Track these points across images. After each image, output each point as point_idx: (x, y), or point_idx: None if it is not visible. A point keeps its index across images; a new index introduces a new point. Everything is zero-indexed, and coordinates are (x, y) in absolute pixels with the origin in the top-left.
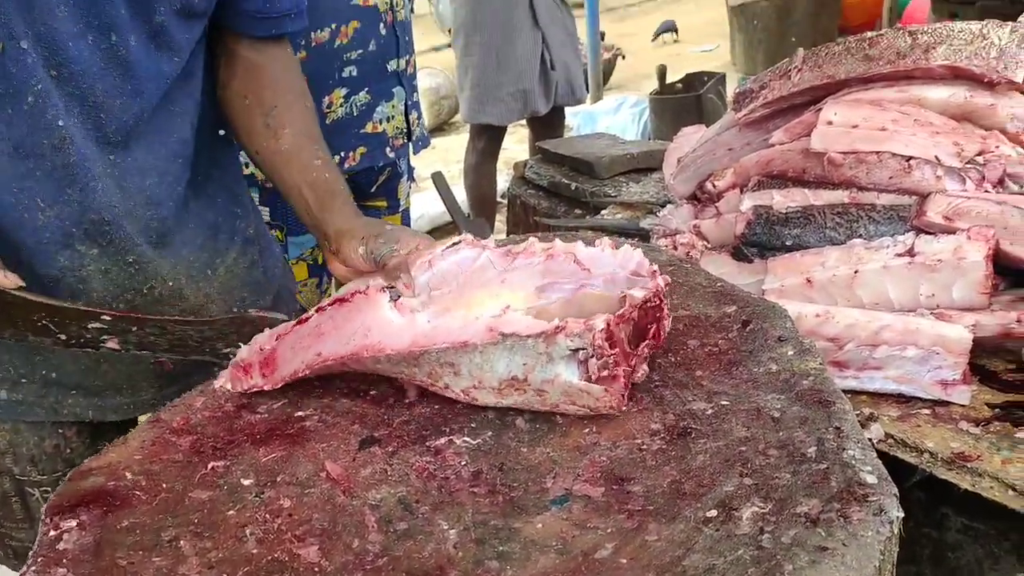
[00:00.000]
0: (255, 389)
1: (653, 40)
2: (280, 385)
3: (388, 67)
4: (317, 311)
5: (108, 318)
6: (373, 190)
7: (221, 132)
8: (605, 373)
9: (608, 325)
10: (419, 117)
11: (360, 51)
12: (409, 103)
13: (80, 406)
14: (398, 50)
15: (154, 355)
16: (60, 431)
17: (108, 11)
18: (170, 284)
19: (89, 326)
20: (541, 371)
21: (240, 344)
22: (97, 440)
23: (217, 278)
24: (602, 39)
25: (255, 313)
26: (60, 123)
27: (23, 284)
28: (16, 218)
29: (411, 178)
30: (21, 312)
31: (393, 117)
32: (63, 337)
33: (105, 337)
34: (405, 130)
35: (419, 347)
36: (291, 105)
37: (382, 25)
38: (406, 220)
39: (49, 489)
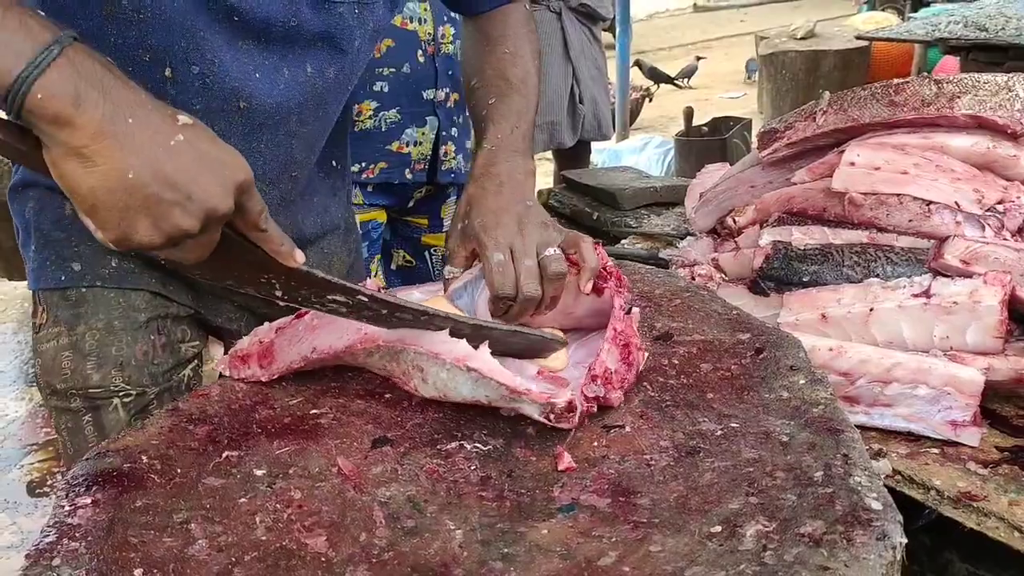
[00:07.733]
0: (253, 379)
1: (668, 82)
2: (276, 376)
3: (424, 95)
4: None
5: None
6: (410, 205)
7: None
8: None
9: (570, 402)
10: (457, 151)
11: (392, 69)
12: (444, 134)
13: (182, 291)
14: (436, 81)
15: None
16: (151, 337)
17: None
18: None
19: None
20: (505, 404)
21: None
22: (178, 368)
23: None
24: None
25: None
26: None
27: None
28: None
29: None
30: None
31: (421, 143)
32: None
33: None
34: (430, 157)
35: (403, 343)
36: (486, 61)
37: (420, 52)
38: None
39: (133, 395)
